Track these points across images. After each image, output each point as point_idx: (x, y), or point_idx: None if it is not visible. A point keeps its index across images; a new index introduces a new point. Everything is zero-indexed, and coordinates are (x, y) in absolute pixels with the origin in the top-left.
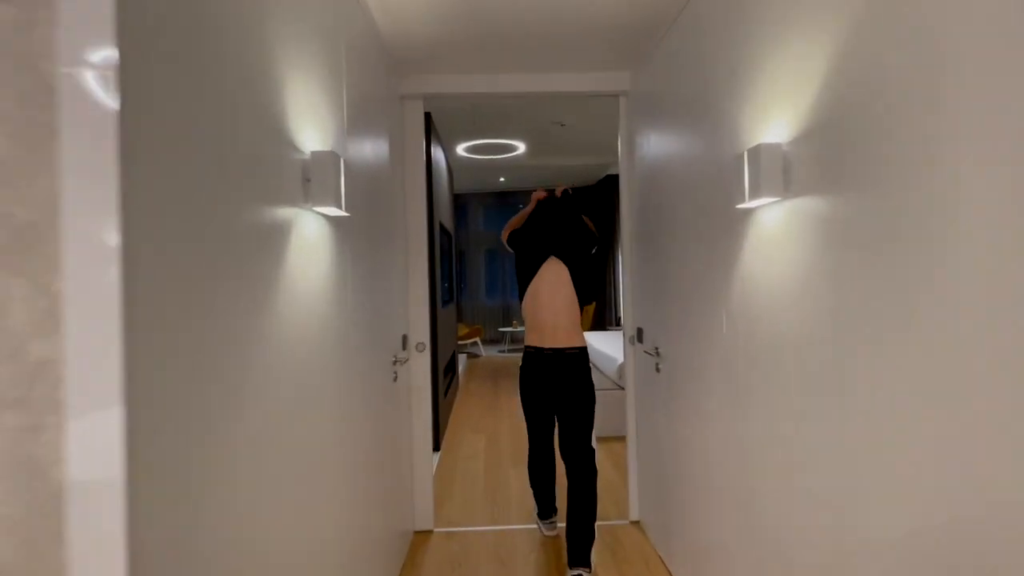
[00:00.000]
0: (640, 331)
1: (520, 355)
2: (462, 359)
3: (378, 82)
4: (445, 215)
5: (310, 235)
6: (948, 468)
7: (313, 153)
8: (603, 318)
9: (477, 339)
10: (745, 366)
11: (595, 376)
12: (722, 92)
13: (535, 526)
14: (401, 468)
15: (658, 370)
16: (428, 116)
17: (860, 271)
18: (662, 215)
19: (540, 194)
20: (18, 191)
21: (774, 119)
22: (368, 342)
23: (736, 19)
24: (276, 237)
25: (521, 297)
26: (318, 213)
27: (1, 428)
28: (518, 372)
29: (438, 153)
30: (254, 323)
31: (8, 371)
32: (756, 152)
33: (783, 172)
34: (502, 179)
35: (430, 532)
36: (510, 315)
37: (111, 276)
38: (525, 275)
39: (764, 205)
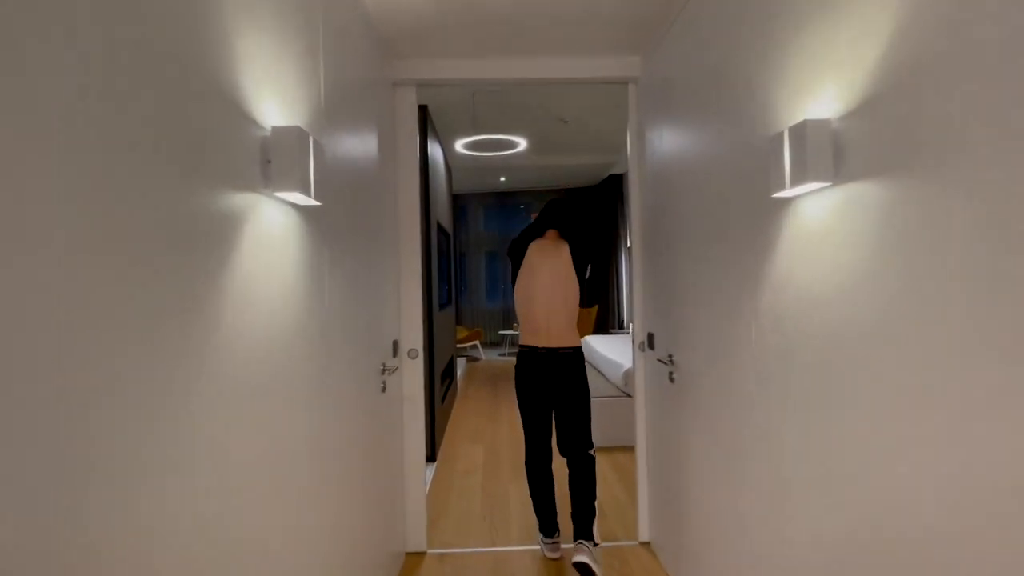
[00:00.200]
0: (651, 337)
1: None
2: (461, 363)
3: (365, 63)
4: (443, 214)
5: (271, 226)
6: None
7: (275, 129)
8: (606, 321)
9: (477, 342)
10: (780, 381)
11: (599, 383)
12: (752, 64)
13: (537, 547)
14: (391, 485)
15: (672, 380)
16: (424, 110)
17: (948, 274)
18: (677, 212)
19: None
20: None
21: (821, 91)
22: (351, 350)
23: None
24: (223, 228)
25: (514, 283)
26: (281, 200)
27: None
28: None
29: (435, 149)
30: (188, 331)
31: None
32: (800, 131)
33: (833, 153)
34: (503, 179)
35: (423, 554)
36: (511, 318)
37: None
38: (519, 266)
39: (809, 193)
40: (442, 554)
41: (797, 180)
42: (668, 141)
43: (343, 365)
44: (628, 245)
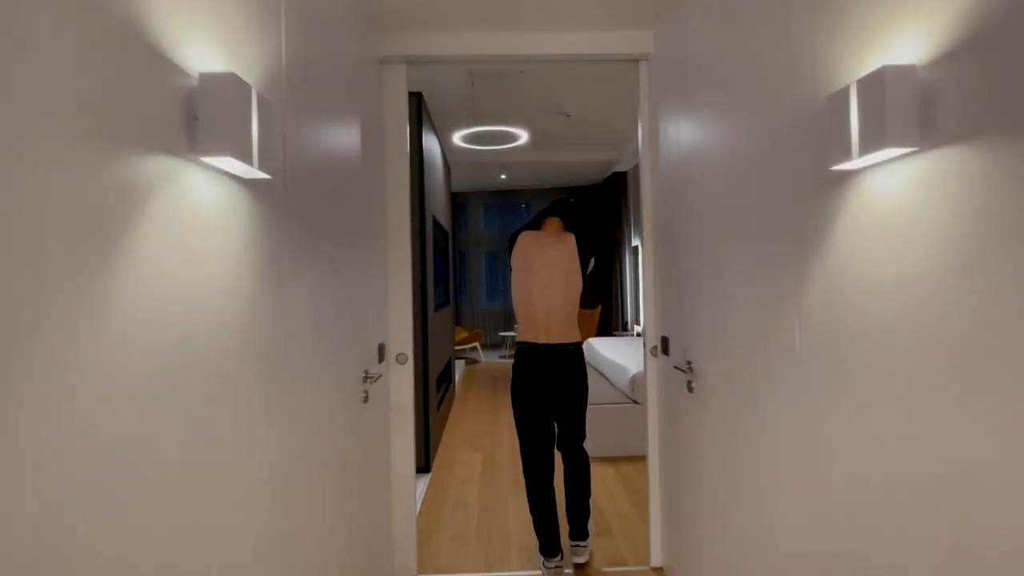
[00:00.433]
0: (665, 341)
1: None
2: (460, 365)
3: (343, 29)
4: (441, 210)
5: (199, 203)
6: None
7: (204, 76)
8: (609, 323)
9: (476, 344)
10: (832, 394)
11: (604, 389)
12: (795, 18)
13: (539, 572)
14: (375, 505)
15: (691, 389)
16: (419, 97)
17: None
18: (698, 203)
19: None
20: None
21: (899, 32)
22: (325, 355)
23: None
24: (122, 202)
25: (514, 277)
26: (215, 170)
27: None
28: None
29: (432, 141)
30: (70, 333)
31: None
32: (875, 82)
33: (920, 110)
34: (503, 176)
35: None
36: (512, 319)
37: None
38: (519, 261)
39: (884, 163)
40: None
41: (869, 146)
42: (686, 124)
43: (314, 373)
44: (633, 244)
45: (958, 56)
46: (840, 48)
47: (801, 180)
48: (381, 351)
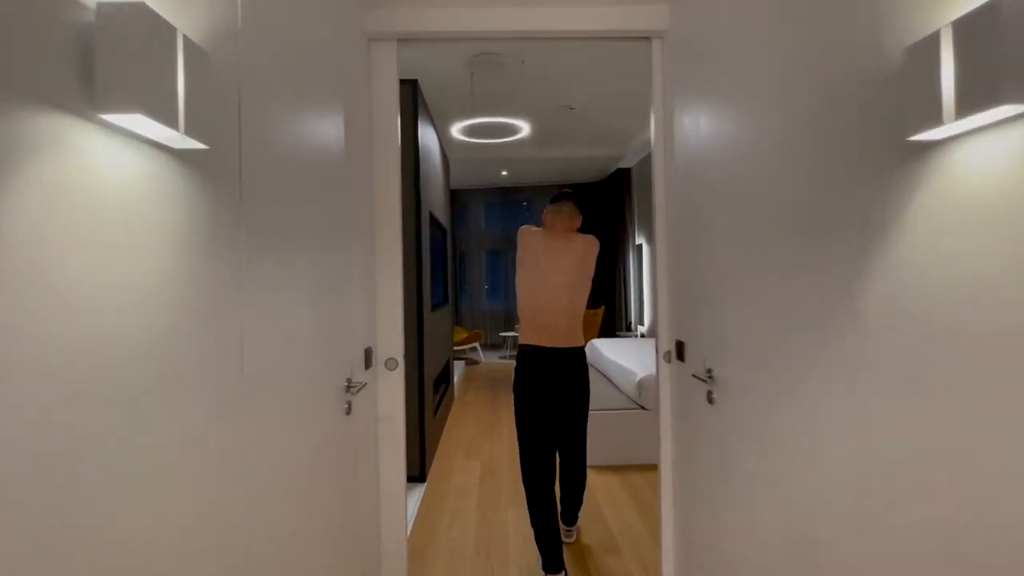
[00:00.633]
0: (680, 346)
1: None
2: (459, 366)
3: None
4: (439, 207)
5: (103, 174)
6: None
7: (103, 6)
8: (612, 323)
9: (476, 344)
10: (901, 409)
11: (610, 394)
12: None
13: None
14: (363, 524)
15: (711, 400)
16: (415, 86)
17: None
18: (723, 194)
19: None
20: None
21: None
22: (297, 363)
23: None
24: None
25: (520, 276)
26: (125, 134)
27: None
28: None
29: (428, 133)
30: None
31: None
32: (985, 20)
33: None
34: (504, 173)
35: None
36: (512, 319)
37: None
38: (527, 260)
39: (989, 127)
40: None
41: (971, 106)
42: (706, 108)
43: (284, 383)
44: (637, 242)
45: None
46: None
47: (861, 158)
48: (368, 356)
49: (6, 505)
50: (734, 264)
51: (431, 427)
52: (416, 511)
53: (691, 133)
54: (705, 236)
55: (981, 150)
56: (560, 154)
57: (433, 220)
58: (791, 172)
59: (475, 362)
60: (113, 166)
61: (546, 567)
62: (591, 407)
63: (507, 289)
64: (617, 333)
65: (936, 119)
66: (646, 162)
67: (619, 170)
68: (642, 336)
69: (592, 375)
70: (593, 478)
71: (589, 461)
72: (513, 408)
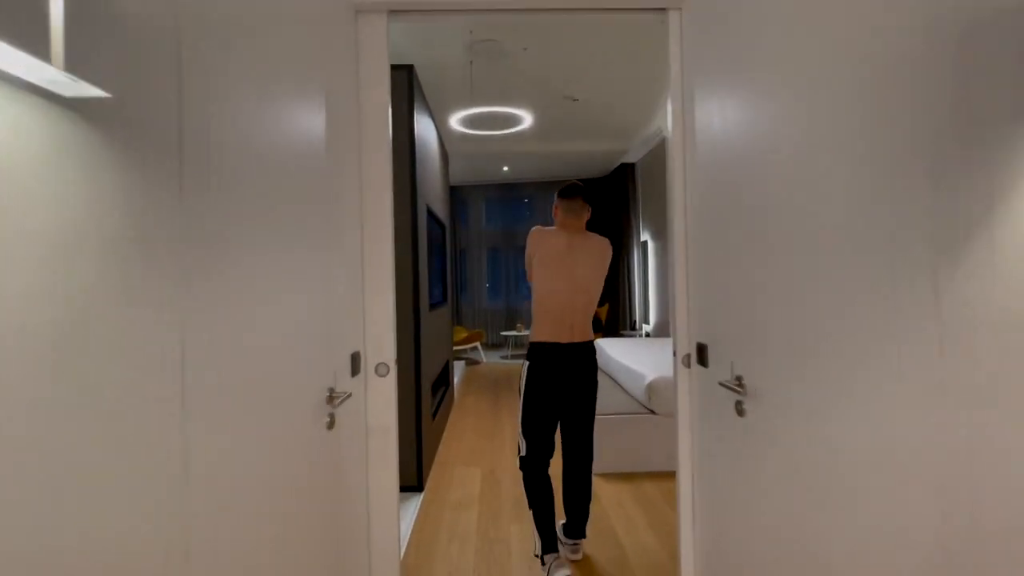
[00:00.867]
0: (703, 349)
1: (523, 361)
2: (459, 366)
3: None
4: (437, 201)
5: None
6: None
7: None
8: (616, 321)
9: (477, 344)
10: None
11: (618, 397)
12: None
13: None
14: (349, 547)
15: (741, 412)
16: (411, 71)
17: None
18: (761, 188)
19: None
20: None
21: None
22: (267, 373)
23: None
24: None
25: (537, 275)
26: None
27: None
28: (519, 387)
29: (425, 123)
30: None
31: None
32: None
33: None
34: (505, 168)
35: None
36: (514, 318)
37: None
38: (544, 259)
39: None
40: None
41: None
42: (738, 89)
43: (245, 400)
44: (642, 239)
45: None
46: None
47: (954, 125)
48: (356, 362)
49: None
50: (772, 261)
51: (429, 433)
52: (412, 526)
53: (716, 116)
54: (735, 233)
55: None
56: (562, 148)
57: (431, 215)
58: (851, 159)
59: (476, 362)
60: None
61: (545, 547)
62: (597, 412)
63: (508, 288)
64: (621, 332)
65: None
66: (651, 156)
67: (623, 165)
68: (647, 335)
69: (599, 378)
70: (601, 486)
71: (596, 468)
72: (517, 409)
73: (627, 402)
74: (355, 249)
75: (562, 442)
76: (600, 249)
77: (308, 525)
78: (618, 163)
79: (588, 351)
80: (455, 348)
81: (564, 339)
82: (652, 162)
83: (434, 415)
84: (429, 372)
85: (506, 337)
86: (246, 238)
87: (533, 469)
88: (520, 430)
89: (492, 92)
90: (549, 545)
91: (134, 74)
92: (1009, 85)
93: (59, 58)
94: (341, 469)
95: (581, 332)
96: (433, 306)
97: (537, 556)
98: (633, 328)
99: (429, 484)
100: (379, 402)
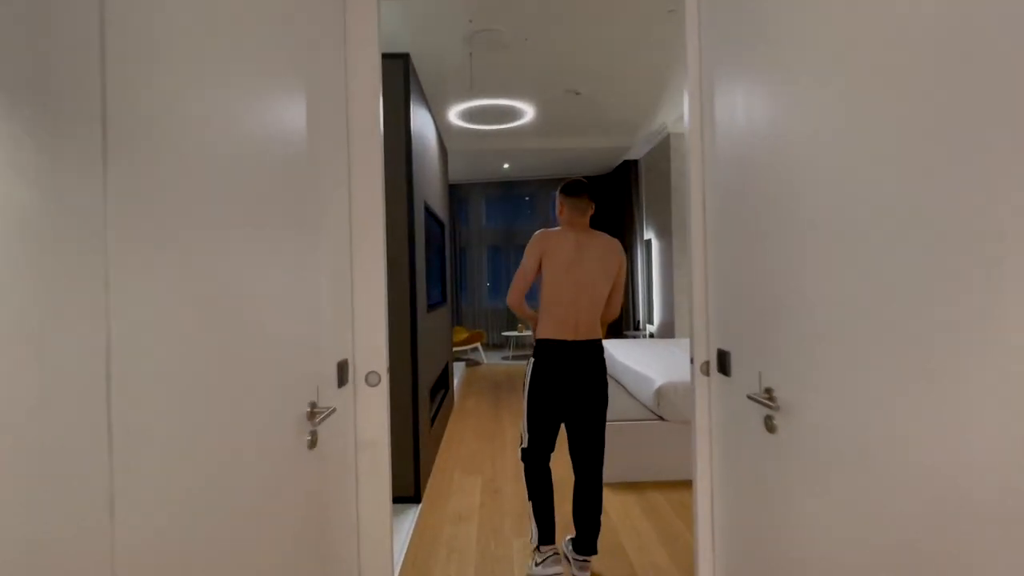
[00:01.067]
0: (724, 356)
1: (524, 362)
2: (459, 368)
3: None
4: (435, 198)
5: None
6: None
7: None
8: (620, 322)
9: (478, 344)
10: None
11: (626, 403)
12: None
13: None
14: (336, 567)
15: (771, 428)
16: (407, 61)
17: None
18: (794, 186)
19: None
20: None
21: None
22: (219, 397)
23: None
24: None
25: (546, 276)
26: None
27: None
28: (523, 383)
29: (422, 115)
30: None
31: None
32: None
33: None
34: (506, 166)
35: None
36: (515, 318)
37: None
38: (554, 258)
39: None
40: None
41: None
42: (768, 76)
43: (202, 425)
44: (646, 238)
45: None
46: None
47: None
48: (343, 372)
49: None
50: (814, 266)
51: (427, 440)
52: (408, 540)
53: (740, 106)
54: (764, 233)
55: None
56: (564, 144)
57: (429, 212)
58: (910, 138)
59: (476, 363)
60: None
61: (543, 538)
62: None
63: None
64: (624, 333)
65: None
66: (655, 153)
67: (626, 162)
68: (651, 336)
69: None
70: (607, 497)
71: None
72: (522, 405)
73: (634, 408)
74: (343, 247)
75: (570, 450)
76: (609, 248)
77: (283, 553)
78: (621, 160)
79: (595, 349)
80: (455, 349)
81: (570, 336)
82: (656, 159)
83: (432, 421)
84: (427, 377)
85: (507, 337)
86: (200, 226)
87: (534, 460)
88: (524, 424)
89: (492, 84)
90: (546, 536)
91: (42, 31)
92: None
93: None
94: (324, 491)
95: (587, 330)
96: (432, 307)
97: (534, 547)
98: (637, 328)
99: (427, 494)
100: (370, 415)
